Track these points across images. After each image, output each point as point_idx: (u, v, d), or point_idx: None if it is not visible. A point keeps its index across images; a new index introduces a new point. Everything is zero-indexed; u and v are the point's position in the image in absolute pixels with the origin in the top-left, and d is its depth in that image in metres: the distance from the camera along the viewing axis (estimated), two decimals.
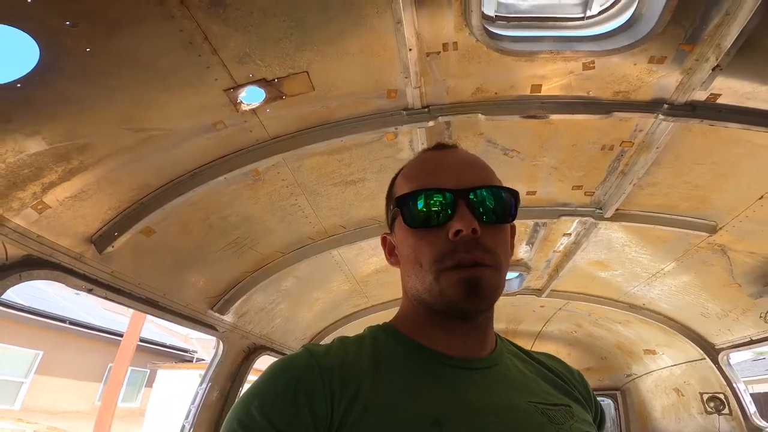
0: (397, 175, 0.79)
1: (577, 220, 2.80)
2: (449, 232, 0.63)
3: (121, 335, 11.76)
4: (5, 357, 9.78)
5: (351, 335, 0.72)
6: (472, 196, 0.65)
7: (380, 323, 0.75)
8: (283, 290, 2.96)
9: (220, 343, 2.70)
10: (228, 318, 2.64)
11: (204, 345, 14.88)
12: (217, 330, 2.61)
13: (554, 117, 1.95)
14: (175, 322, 2.26)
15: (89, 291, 1.67)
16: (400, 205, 0.68)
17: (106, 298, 1.76)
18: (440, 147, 0.77)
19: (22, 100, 1.20)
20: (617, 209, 2.62)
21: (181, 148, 1.65)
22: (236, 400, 0.62)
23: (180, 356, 13.81)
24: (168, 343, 13.89)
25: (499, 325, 4.99)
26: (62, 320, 10.45)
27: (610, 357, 4.99)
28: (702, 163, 2.21)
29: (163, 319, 2.18)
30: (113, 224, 1.66)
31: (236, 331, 2.79)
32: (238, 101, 1.60)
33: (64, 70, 1.22)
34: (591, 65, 1.70)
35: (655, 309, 3.94)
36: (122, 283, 1.84)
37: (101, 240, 1.65)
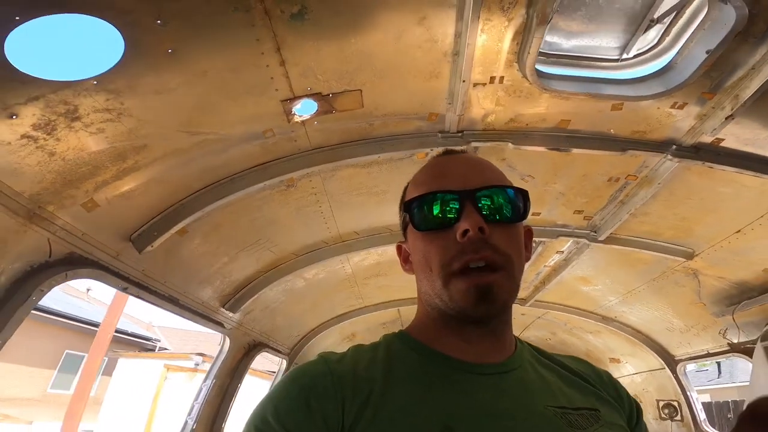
0: (408, 184, 0.79)
1: (571, 240, 3.00)
2: (457, 233, 0.62)
3: (79, 321, 11.26)
4: None
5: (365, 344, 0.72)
6: (478, 196, 0.65)
7: (396, 331, 0.75)
8: (288, 290, 2.99)
9: (226, 339, 2.71)
10: (236, 315, 2.66)
11: (167, 334, 14.42)
12: (224, 327, 2.62)
13: (574, 151, 2.08)
14: (190, 319, 2.26)
15: (124, 290, 1.67)
16: (408, 209, 0.69)
17: (138, 296, 1.75)
18: (449, 152, 0.78)
19: (93, 97, 1.19)
20: (610, 234, 2.83)
21: (229, 153, 1.67)
22: (255, 407, 0.63)
23: (142, 345, 13.33)
24: (130, 330, 13.37)
25: None
26: None
27: None
28: (692, 198, 2.43)
29: (180, 315, 2.17)
30: (153, 224, 1.66)
31: (240, 328, 2.80)
32: (292, 112, 1.64)
33: (143, 70, 1.22)
34: (619, 107, 1.80)
35: (625, 321, 4.27)
36: (151, 281, 1.84)
37: (140, 239, 1.65)
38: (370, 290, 3.57)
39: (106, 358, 12.11)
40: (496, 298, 0.61)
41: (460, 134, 2.01)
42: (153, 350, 13.00)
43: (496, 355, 0.68)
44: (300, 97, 1.59)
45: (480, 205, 0.64)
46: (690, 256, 2.90)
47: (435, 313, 0.68)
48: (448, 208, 0.65)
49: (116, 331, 12.43)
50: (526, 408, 0.62)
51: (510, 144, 2.01)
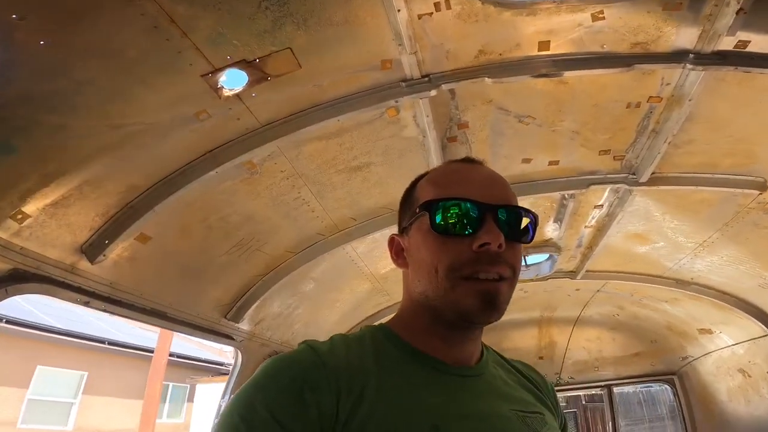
0: (419, 178, 0.80)
1: (609, 189, 2.55)
2: (475, 243, 0.64)
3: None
4: (54, 379, 10.15)
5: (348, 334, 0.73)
6: (500, 212, 0.67)
7: (376, 324, 0.76)
8: (300, 293, 2.84)
9: (239, 353, 2.60)
10: (244, 326, 2.54)
11: None
12: (234, 339, 2.50)
13: (569, 75, 1.76)
14: (188, 333, 2.17)
15: (86, 304, 1.58)
16: (428, 208, 0.69)
17: (105, 311, 1.67)
18: (468, 161, 0.79)
19: None
20: (653, 173, 2.36)
21: (166, 144, 1.54)
22: (233, 396, 0.60)
23: (216, 369, 14.04)
24: (203, 357, 14.14)
25: (532, 313, 4.72)
26: (101, 341, 10.76)
27: (661, 340, 4.61)
28: (740, 114, 1.95)
29: (175, 330, 2.08)
30: (102, 231, 1.56)
31: (254, 339, 2.68)
32: (219, 86, 1.47)
33: (23, 67, 1.12)
34: (600, 15, 1.53)
35: (706, 283, 3.58)
36: (123, 294, 1.75)
37: (92, 249, 1.56)
38: (391, 285, 3.31)
39: (188, 386, 12.91)
40: (500, 306, 0.65)
41: (426, 79, 1.74)
42: (227, 374, 13.63)
43: (471, 359, 0.73)
44: (222, 69, 1.42)
45: (500, 221, 0.67)
46: (762, 186, 2.33)
47: (424, 313, 0.70)
48: (469, 218, 0.67)
49: (192, 359, 13.24)
50: (496, 411, 0.67)
51: (487, 79, 1.71)
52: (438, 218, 0.68)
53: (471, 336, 0.71)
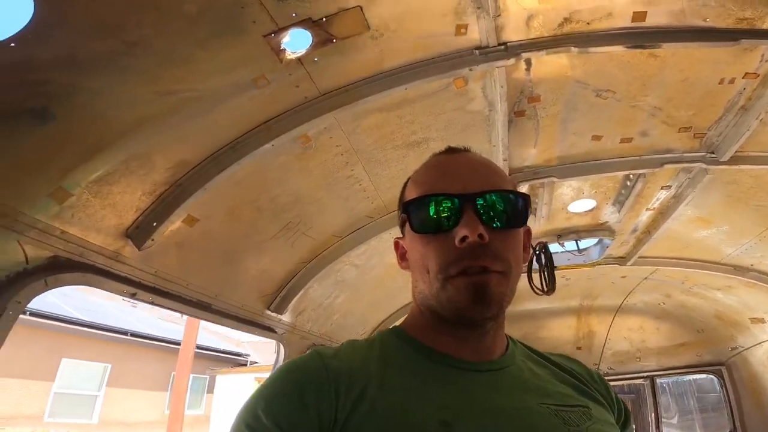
0: (409, 179, 0.77)
1: (681, 169, 2.32)
2: (455, 238, 0.62)
3: (178, 343, 12.17)
4: (77, 372, 10.25)
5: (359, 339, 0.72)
6: (479, 201, 0.64)
7: (390, 327, 0.76)
8: (340, 281, 2.67)
9: (280, 346, 2.44)
10: (286, 318, 2.38)
11: (256, 348, 15.13)
12: (275, 332, 2.35)
13: (666, 47, 1.61)
14: (231, 327, 2.02)
15: (132, 296, 1.43)
16: (407, 210, 0.68)
17: (153, 303, 1.52)
18: (451, 151, 0.75)
19: (19, 64, 0.94)
20: (737, 152, 2.13)
21: (219, 114, 1.36)
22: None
23: (236, 361, 14.10)
24: (223, 348, 14.20)
25: (571, 302, 4.52)
26: (124, 333, 10.82)
27: (709, 329, 4.39)
28: None
29: (218, 323, 1.93)
30: (150, 212, 1.40)
31: (295, 331, 2.53)
32: (281, 48, 1.29)
33: (66, 23, 0.95)
34: None
35: (766, 270, 3.35)
36: (169, 284, 1.59)
37: (138, 233, 1.40)
38: None
39: (207, 377, 12.99)
40: (492, 299, 0.62)
41: (503, 47, 1.57)
42: (245, 365, 13.66)
43: (490, 353, 0.69)
44: (286, 28, 1.25)
45: (480, 210, 0.63)
46: None
47: (429, 314, 0.68)
48: (447, 213, 0.64)
49: (212, 350, 13.29)
50: (520, 405, 0.63)
51: (573, 48, 1.53)
52: (416, 219, 0.66)
53: (482, 330, 0.67)
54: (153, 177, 1.36)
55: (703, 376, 4.82)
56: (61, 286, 1.20)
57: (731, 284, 3.64)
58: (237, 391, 10.39)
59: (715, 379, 4.56)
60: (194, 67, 1.20)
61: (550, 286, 2.80)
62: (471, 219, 0.62)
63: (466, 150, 0.75)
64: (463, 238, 0.61)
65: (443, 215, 0.64)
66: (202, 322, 8.76)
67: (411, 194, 0.71)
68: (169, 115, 1.26)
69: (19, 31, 0.91)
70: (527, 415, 0.61)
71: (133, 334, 11.06)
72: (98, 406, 10.60)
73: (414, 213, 0.66)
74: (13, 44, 0.91)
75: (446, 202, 0.64)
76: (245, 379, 10.52)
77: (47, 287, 1.16)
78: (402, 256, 0.77)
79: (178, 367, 8.12)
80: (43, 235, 1.17)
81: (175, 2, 1.04)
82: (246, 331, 2.19)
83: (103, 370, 10.73)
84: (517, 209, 0.66)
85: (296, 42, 1.32)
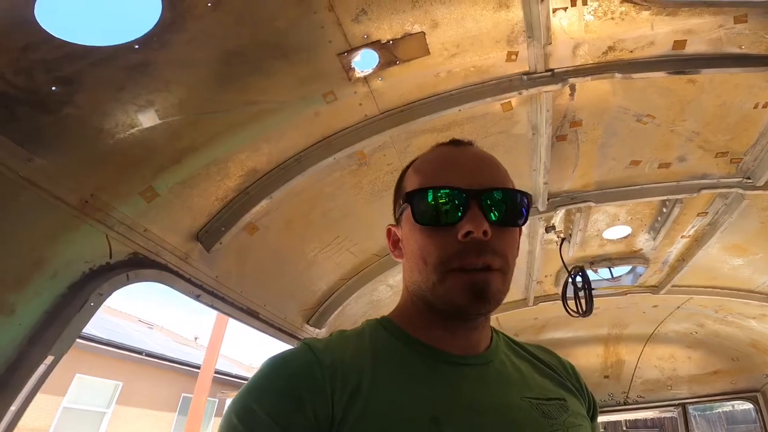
0: (407, 167, 0.76)
1: (717, 194, 2.35)
2: (459, 233, 0.61)
3: (190, 366, 12.08)
4: (88, 388, 10.22)
5: (349, 329, 0.71)
6: (484, 197, 0.63)
7: (378, 317, 0.73)
8: (375, 301, 2.70)
9: None
10: (323, 334, 2.41)
11: None
12: None
13: (704, 73, 1.69)
14: (274, 336, 2.06)
15: (197, 297, 1.49)
16: (410, 200, 0.67)
17: (212, 306, 1.57)
18: (455, 143, 0.74)
19: (137, 65, 1.04)
20: None
21: (290, 125, 1.46)
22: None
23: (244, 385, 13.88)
24: (233, 372, 14.06)
25: (599, 330, 4.43)
26: (138, 352, 10.83)
27: (743, 357, 4.28)
28: None
29: (263, 332, 1.97)
30: (219, 217, 1.48)
31: None
32: (351, 67, 1.40)
33: (185, 30, 1.06)
34: (743, 18, 1.51)
35: None
36: (226, 289, 1.66)
37: (207, 237, 1.48)
38: None
39: (217, 400, 12.80)
40: (491, 297, 0.62)
41: (549, 73, 1.66)
42: None
43: (477, 347, 0.70)
44: (357, 48, 1.36)
45: (485, 206, 0.63)
46: None
47: (421, 305, 0.68)
48: (452, 206, 0.63)
49: (222, 373, 13.15)
50: (505, 400, 0.64)
51: (617, 74, 1.62)
52: (419, 210, 0.65)
53: (473, 324, 0.68)
54: (227, 183, 1.45)
55: (735, 407, 4.65)
56: (141, 281, 1.26)
57: (766, 313, 3.57)
58: None
59: (751, 406, 4.41)
60: (277, 79, 1.31)
61: (588, 308, 2.78)
62: (476, 214, 0.61)
63: (470, 143, 0.75)
64: (467, 233, 0.60)
65: (448, 208, 0.63)
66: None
67: (413, 184, 0.70)
68: (250, 124, 1.36)
69: (143, 35, 1.02)
70: (511, 411, 0.62)
71: (148, 354, 11.05)
72: (105, 423, 10.49)
73: (417, 203, 0.65)
74: (137, 46, 1.02)
75: (452, 196, 0.63)
76: None
77: (128, 281, 1.23)
78: (394, 245, 0.76)
79: (196, 390, 8.04)
80: (130, 232, 1.25)
81: (269, 16, 1.15)
82: (284, 342, 2.22)
83: (114, 387, 10.68)
84: (519, 207, 0.66)
85: (365, 61, 1.43)
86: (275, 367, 0.60)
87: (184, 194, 1.34)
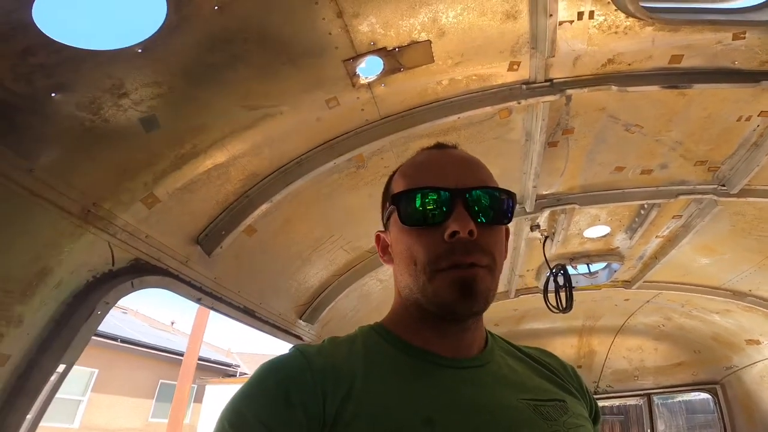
0: (394, 173, 0.77)
1: (693, 200, 2.48)
2: (445, 232, 0.62)
3: (168, 352, 11.94)
4: None
5: (341, 336, 0.71)
6: (469, 197, 0.64)
7: (371, 323, 0.73)
8: (365, 294, 2.75)
9: None
10: (314, 327, 2.44)
11: (245, 359, 14.92)
12: (303, 341, 2.41)
13: (696, 88, 1.74)
14: (268, 333, 2.08)
15: (198, 300, 1.49)
16: (396, 202, 0.67)
17: (213, 308, 1.58)
18: (440, 146, 0.76)
19: (140, 68, 1.02)
20: (746, 185, 2.30)
21: (292, 130, 1.46)
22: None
23: (225, 371, 13.86)
24: (213, 358, 13.98)
25: (574, 322, 4.64)
26: (114, 338, 10.62)
27: (705, 350, 4.57)
28: None
29: (259, 329, 1.99)
30: (219, 221, 1.48)
31: (319, 341, 2.59)
32: (355, 73, 1.40)
33: (190, 33, 1.04)
34: (742, 36, 1.55)
35: (763, 295, 3.53)
36: (225, 291, 1.66)
37: (208, 240, 1.48)
38: None
39: (195, 386, 12.74)
40: (479, 294, 0.62)
41: (548, 83, 1.70)
42: (235, 375, 13.44)
43: (471, 349, 0.69)
44: (363, 55, 1.36)
45: (470, 205, 0.64)
46: None
47: (413, 308, 0.68)
48: (437, 206, 0.64)
49: (201, 359, 13.07)
50: (501, 401, 0.63)
51: (613, 87, 1.66)
52: (406, 212, 0.66)
53: (465, 326, 0.68)
54: (227, 187, 1.45)
55: (695, 397, 4.97)
56: (145, 287, 1.26)
57: (729, 308, 3.81)
58: (226, 401, 10.18)
59: (709, 397, 4.72)
60: (281, 84, 1.30)
61: (568, 305, 2.91)
62: (462, 214, 0.62)
63: (454, 147, 0.76)
64: (453, 234, 0.61)
65: (433, 208, 0.64)
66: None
67: (399, 187, 0.70)
68: (252, 128, 1.36)
69: (147, 38, 0.99)
70: (507, 412, 0.62)
71: (123, 340, 10.85)
72: (81, 411, 10.32)
73: (404, 205, 0.66)
74: (140, 50, 1.00)
75: (436, 196, 0.64)
76: (234, 390, 10.32)
77: (133, 288, 1.23)
78: (383, 250, 0.76)
79: (180, 376, 7.98)
80: (132, 238, 1.24)
81: (278, 22, 1.14)
82: (278, 338, 2.25)
83: (89, 375, 10.47)
84: (504, 206, 0.67)
85: (370, 68, 1.43)
86: (266, 372, 0.61)
87: (184, 199, 1.33)
